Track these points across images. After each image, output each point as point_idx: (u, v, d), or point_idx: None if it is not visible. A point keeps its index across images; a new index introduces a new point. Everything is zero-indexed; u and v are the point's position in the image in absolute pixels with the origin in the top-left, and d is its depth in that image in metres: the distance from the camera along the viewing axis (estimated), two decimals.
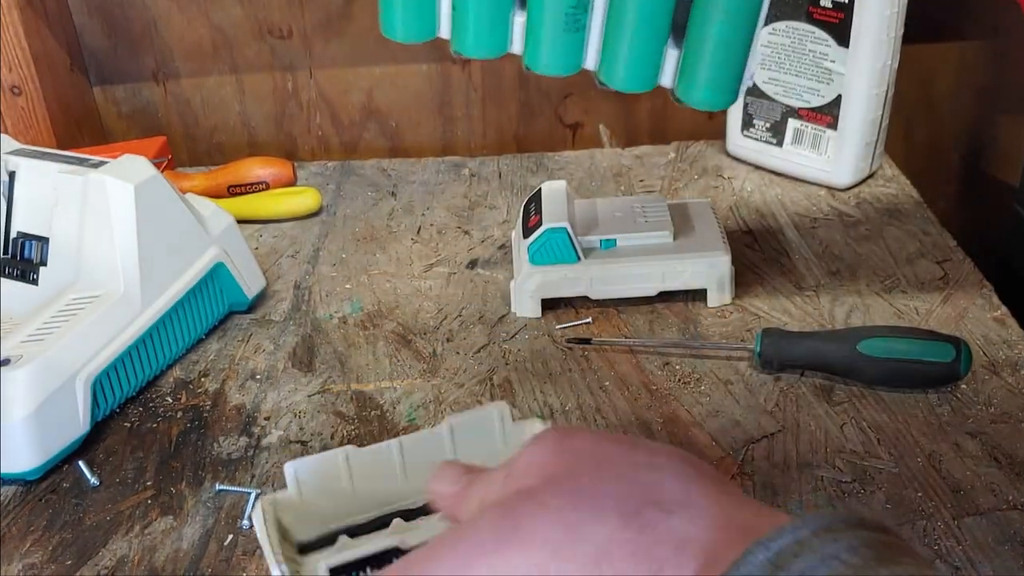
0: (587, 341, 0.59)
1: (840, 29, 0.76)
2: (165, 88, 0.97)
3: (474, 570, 0.28)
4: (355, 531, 0.47)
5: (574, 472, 0.29)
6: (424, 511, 0.48)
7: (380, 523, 0.47)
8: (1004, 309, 0.65)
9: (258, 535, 0.43)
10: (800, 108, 0.81)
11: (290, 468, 0.46)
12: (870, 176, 0.83)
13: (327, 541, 0.47)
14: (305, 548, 0.47)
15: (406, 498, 0.49)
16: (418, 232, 0.80)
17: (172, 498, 0.53)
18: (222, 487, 0.53)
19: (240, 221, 0.70)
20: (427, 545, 0.30)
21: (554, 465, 0.30)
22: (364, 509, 0.48)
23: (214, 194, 0.82)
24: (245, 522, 0.51)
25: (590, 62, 0.46)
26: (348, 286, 0.72)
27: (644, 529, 0.27)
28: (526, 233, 0.67)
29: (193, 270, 0.63)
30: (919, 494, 0.51)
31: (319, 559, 0.41)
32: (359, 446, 0.46)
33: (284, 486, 0.46)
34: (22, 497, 0.54)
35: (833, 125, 0.80)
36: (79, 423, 0.56)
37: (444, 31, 0.47)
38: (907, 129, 0.98)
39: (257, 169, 0.84)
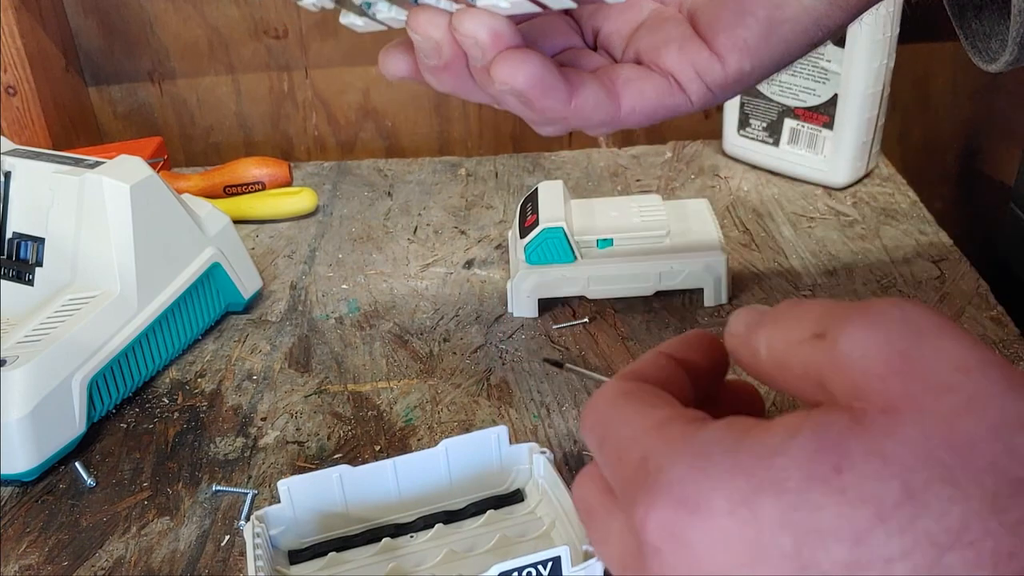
0: (559, 365, 0.60)
1: None
2: (161, 88, 0.97)
3: (761, 500, 0.21)
4: (345, 544, 0.47)
5: (929, 407, 0.21)
6: (414, 527, 0.48)
7: (370, 537, 0.48)
8: (1000, 308, 0.65)
9: (247, 554, 0.43)
10: (796, 107, 0.81)
11: (284, 485, 0.46)
12: (866, 176, 0.83)
13: (317, 552, 0.47)
14: (295, 556, 0.47)
15: (398, 512, 0.49)
16: (415, 232, 0.80)
17: (169, 499, 0.53)
18: (219, 488, 0.53)
19: (236, 221, 0.70)
20: (702, 438, 0.23)
21: (900, 385, 0.21)
22: (355, 523, 0.48)
23: (210, 194, 0.82)
24: (242, 523, 0.51)
25: None
26: (344, 286, 0.72)
27: (1017, 527, 0.19)
28: (523, 233, 0.67)
29: (189, 270, 0.63)
30: None
31: None
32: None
33: (279, 487, 0.47)
34: (18, 498, 0.54)
35: (829, 124, 0.80)
36: (75, 424, 0.56)
37: None
38: (903, 129, 0.98)
39: (253, 169, 0.84)
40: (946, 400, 0.20)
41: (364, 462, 0.48)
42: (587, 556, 0.42)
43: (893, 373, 0.21)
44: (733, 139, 0.86)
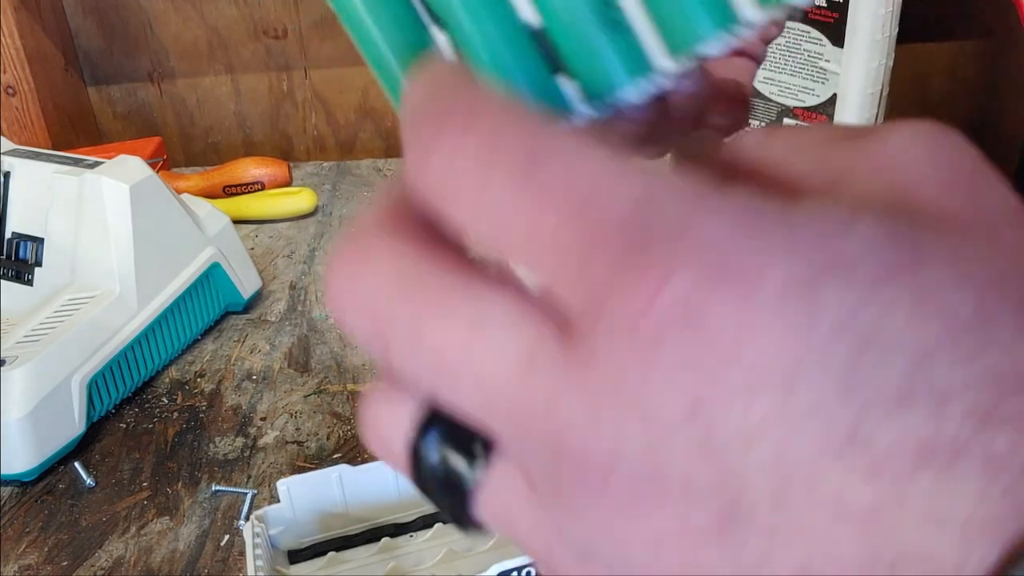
0: None
1: (835, 29, 0.76)
2: (160, 88, 0.97)
3: (827, 284, 0.15)
4: (344, 544, 0.47)
5: (998, 233, 0.17)
6: (414, 526, 0.48)
7: (370, 536, 0.48)
8: None
9: (247, 554, 0.43)
10: (795, 107, 0.81)
11: (283, 485, 0.46)
12: None
13: (317, 552, 0.47)
14: (295, 556, 0.47)
15: (397, 512, 0.49)
16: None
17: (168, 499, 0.53)
18: (218, 488, 0.53)
19: (236, 221, 0.70)
20: (736, 197, 0.16)
21: (965, 198, 0.17)
22: (355, 523, 0.48)
23: (210, 194, 0.82)
24: (242, 523, 0.51)
25: None
26: None
27: None
28: None
29: (189, 270, 0.63)
30: None
31: None
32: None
33: (279, 487, 0.47)
34: (18, 498, 0.54)
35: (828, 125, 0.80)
36: (75, 424, 0.56)
37: None
38: None
39: (253, 169, 0.84)
40: (1011, 235, 0.17)
41: (364, 462, 0.49)
42: None
43: (960, 182, 0.17)
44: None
